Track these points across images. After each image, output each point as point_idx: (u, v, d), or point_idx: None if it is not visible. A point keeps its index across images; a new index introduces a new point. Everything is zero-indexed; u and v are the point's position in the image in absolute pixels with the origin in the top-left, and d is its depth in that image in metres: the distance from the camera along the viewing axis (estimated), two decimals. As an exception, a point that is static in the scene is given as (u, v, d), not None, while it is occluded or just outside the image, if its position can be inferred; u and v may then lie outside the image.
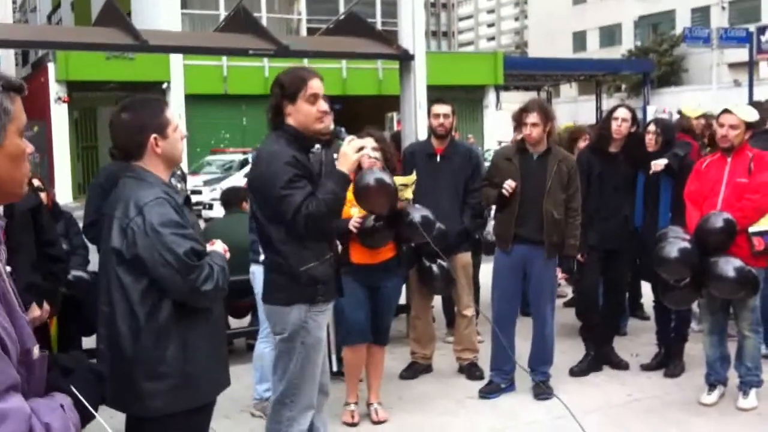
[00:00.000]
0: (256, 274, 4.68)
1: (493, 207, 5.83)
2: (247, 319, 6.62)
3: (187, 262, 2.78)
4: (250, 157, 21.21)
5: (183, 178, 5.07)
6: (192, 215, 3.03)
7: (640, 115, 6.10)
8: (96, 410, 1.82)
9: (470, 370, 5.85)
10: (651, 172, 5.71)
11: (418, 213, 4.75)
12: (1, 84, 1.55)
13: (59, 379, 1.76)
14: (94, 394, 1.84)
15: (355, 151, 3.54)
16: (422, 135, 6.58)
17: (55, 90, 24.46)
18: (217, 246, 3.06)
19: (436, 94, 6.47)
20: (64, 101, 24.58)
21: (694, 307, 6.14)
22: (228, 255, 3.06)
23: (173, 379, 2.84)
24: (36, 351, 1.55)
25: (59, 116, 24.76)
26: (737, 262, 4.75)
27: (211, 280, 2.84)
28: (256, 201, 3.69)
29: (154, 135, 2.91)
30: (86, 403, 1.74)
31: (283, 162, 3.45)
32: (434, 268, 5.37)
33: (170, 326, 2.84)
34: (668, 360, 5.87)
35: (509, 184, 5.18)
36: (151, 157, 2.93)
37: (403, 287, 5.84)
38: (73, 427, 1.51)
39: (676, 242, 4.87)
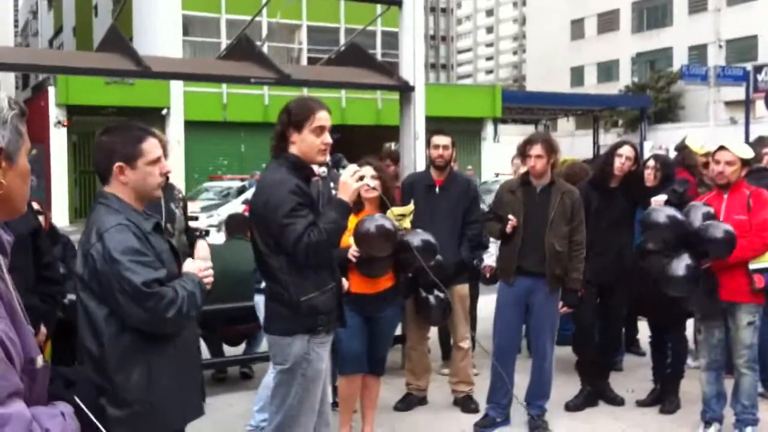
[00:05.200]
0: (260, 303, 4.65)
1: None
2: (242, 346, 6.59)
3: (143, 290, 2.69)
4: (247, 183, 21.22)
5: (183, 203, 5.05)
6: (163, 241, 2.93)
7: (637, 150, 6.11)
8: (99, 421, 1.84)
9: (465, 403, 5.82)
10: (650, 208, 5.71)
11: (418, 237, 4.71)
12: (20, 109, 1.65)
13: (61, 389, 1.79)
14: (95, 405, 1.86)
15: (355, 180, 3.55)
16: (420, 166, 6.61)
17: (55, 114, 24.53)
18: (189, 265, 2.96)
19: (435, 125, 6.48)
20: (64, 125, 24.62)
21: (691, 343, 6.14)
22: (210, 272, 2.96)
23: (136, 407, 2.76)
24: (39, 361, 1.59)
25: (58, 140, 24.80)
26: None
27: (173, 306, 2.73)
28: (257, 230, 3.64)
29: (119, 163, 2.85)
30: (88, 413, 1.78)
31: (287, 190, 3.45)
32: (431, 298, 5.28)
33: (134, 352, 2.77)
34: (664, 396, 5.84)
35: (511, 222, 5.18)
36: (118, 184, 2.88)
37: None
38: None
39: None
